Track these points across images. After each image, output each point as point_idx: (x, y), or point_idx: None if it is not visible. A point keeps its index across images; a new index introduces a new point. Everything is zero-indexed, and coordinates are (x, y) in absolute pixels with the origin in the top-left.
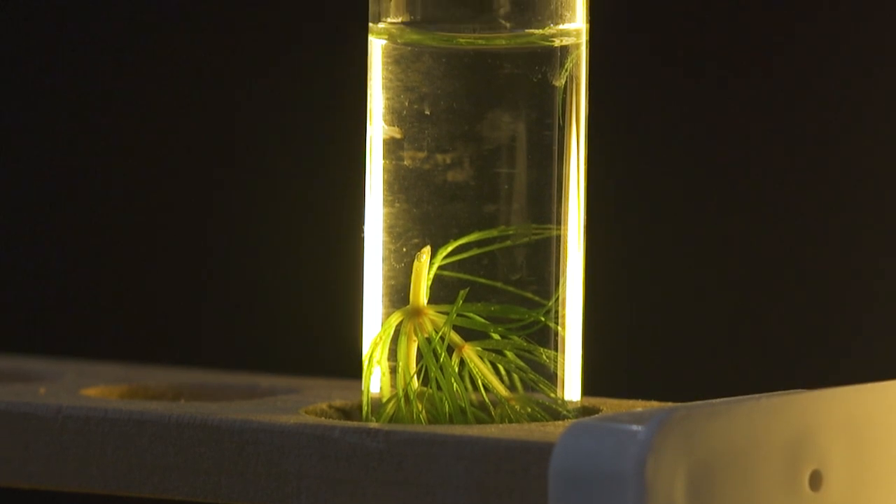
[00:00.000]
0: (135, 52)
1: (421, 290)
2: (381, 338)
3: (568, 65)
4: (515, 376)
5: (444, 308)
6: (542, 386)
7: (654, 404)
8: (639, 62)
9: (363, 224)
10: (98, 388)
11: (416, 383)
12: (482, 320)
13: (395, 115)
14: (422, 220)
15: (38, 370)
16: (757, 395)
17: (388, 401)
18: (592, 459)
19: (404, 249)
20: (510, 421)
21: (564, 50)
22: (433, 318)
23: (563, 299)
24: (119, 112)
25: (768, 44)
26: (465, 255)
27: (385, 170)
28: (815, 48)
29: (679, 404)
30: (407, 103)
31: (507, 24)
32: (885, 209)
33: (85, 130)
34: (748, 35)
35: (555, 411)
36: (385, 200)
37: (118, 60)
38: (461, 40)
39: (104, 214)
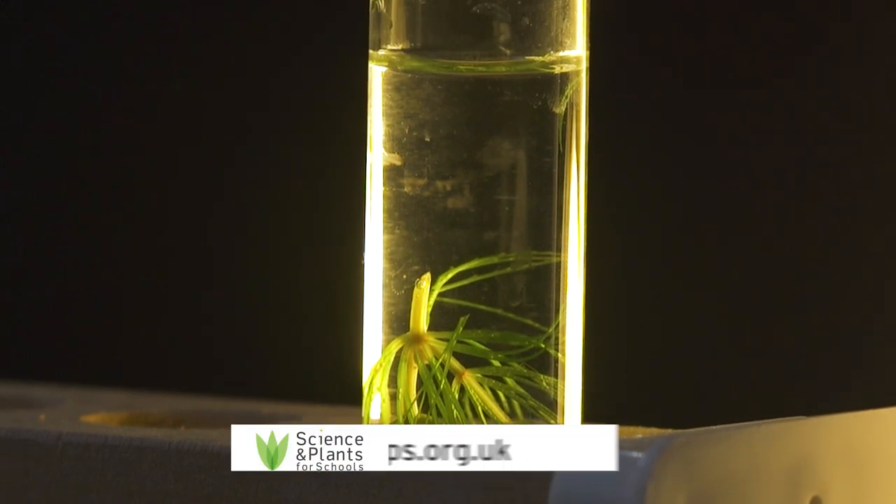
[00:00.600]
0: (129, 80)
1: (421, 316)
2: (381, 364)
3: (568, 92)
4: (515, 403)
5: (445, 335)
6: (542, 412)
7: (654, 431)
8: (639, 89)
9: (363, 251)
10: (98, 415)
11: (416, 410)
12: (482, 347)
13: (395, 141)
14: (422, 246)
15: (38, 397)
16: (757, 422)
17: None
18: (592, 486)
19: (404, 276)
20: None
21: (565, 77)
22: (433, 345)
23: (563, 326)
24: (119, 148)
25: (769, 67)
26: (465, 282)
27: (385, 197)
28: (818, 68)
29: (679, 431)
30: (407, 130)
31: (508, 51)
32: (889, 233)
33: (88, 162)
34: (749, 61)
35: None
36: (385, 227)
37: (113, 96)
38: (461, 67)
39: (105, 245)
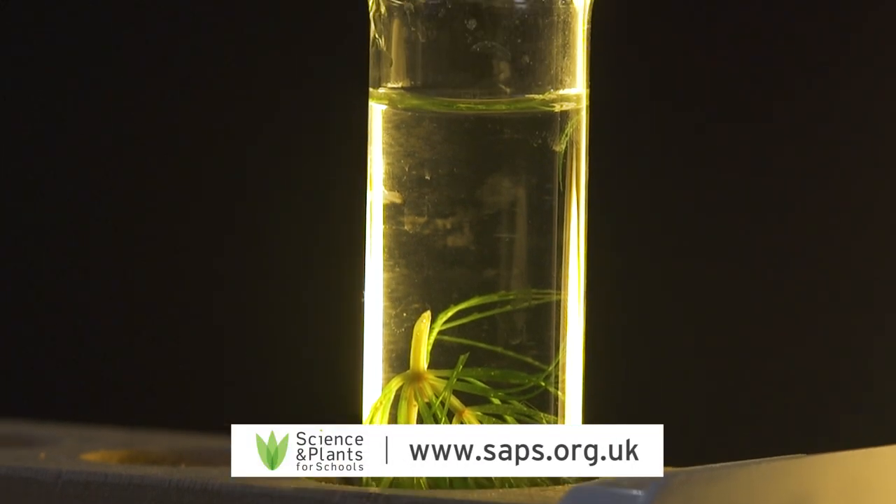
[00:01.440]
0: (128, 118)
1: (421, 354)
2: (381, 403)
3: (568, 130)
4: None
5: (445, 373)
6: None
7: None
8: (639, 127)
9: (363, 289)
10: (98, 453)
11: None
12: (482, 385)
13: (396, 180)
14: (422, 285)
15: (38, 435)
16: (756, 460)
17: None
18: None
19: (404, 314)
20: (510, 486)
21: (565, 115)
22: (433, 383)
23: (563, 364)
24: (114, 194)
25: (768, 104)
26: (465, 320)
27: (385, 235)
28: (817, 106)
29: (679, 469)
30: (407, 168)
31: (508, 90)
32: (890, 267)
33: (84, 201)
34: (750, 97)
35: (555, 476)
36: (385, 265)
37: (114, 127)
38: (461, 105)
39: (104, 284)
